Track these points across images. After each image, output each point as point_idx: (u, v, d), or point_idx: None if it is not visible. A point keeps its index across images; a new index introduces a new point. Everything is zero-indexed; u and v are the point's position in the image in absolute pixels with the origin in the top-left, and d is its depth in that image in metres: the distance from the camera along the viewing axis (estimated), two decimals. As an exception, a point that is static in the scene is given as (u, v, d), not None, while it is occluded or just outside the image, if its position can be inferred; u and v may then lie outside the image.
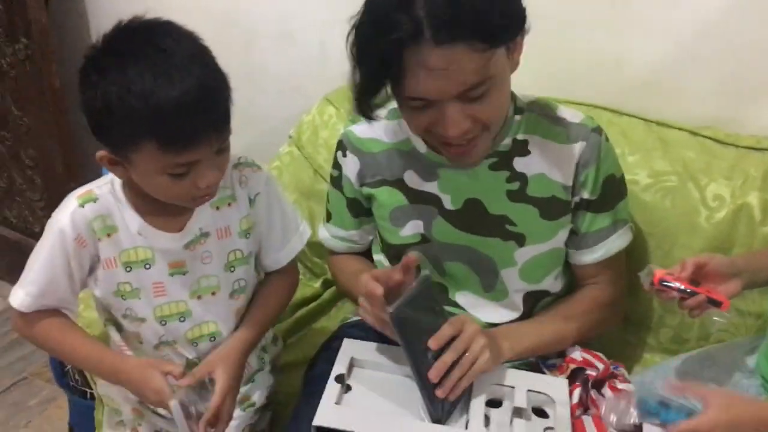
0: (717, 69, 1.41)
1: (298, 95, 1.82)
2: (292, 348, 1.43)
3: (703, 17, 1.39)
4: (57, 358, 1.35)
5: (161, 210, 1.07)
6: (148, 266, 1.09)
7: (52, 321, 1.11)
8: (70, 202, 1.06)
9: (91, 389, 1.37)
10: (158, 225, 1.08)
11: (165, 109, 0.91)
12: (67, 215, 1.05)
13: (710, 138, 1.38)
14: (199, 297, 1.13)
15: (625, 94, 1.49)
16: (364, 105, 1.06)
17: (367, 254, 1.36)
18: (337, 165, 1.27)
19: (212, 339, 1.16)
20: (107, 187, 1.07)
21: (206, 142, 0.96)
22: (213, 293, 1.14)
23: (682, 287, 1.00)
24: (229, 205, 1.14)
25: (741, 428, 0.92)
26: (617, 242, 1.22)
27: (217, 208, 1.13)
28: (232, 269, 1.15)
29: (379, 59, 0.97)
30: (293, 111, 1.75)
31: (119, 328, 1.15)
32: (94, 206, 1.05)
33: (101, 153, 1.00)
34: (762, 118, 1.40)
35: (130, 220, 1.07)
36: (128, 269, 1.08)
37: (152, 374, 1.06)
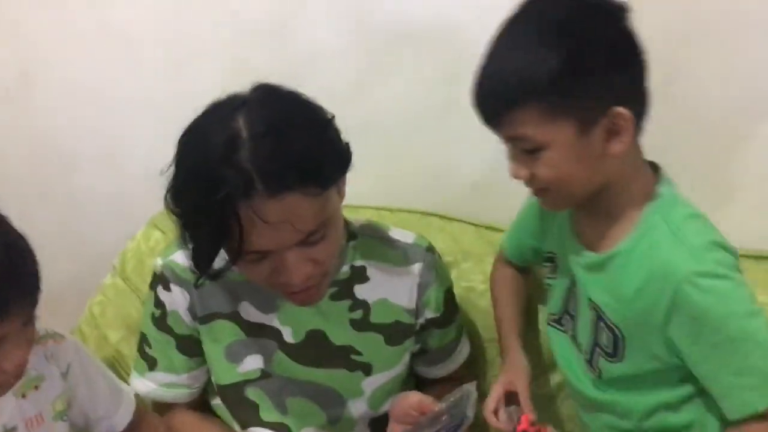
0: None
1: (123, 220, 1.71)
2: None
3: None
4: None
5: None
6: None
7: None
8: None
9: None
10: None
11: None
12: None
13: (538, 240, 1.43)
14: None
15: (457, 200, 1.52)
16: (205, 268, 0.99)
17: (198, 403, 1.24)
18: (158, 302, 1.17)
19: None
20: None
21: (16, 315, 0.85)
22: None
23: None
24: (37, 388, 1.01)
25: None
26: (465, 349, 1.26)
27: (23, 395, 0.99)
28: None
29: (212, 220, 0.91)
30: (117, 237, 1.64)
31: None
32: None
33: None
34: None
35: None
36: None
37: None
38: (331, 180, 0.96)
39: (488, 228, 1.46)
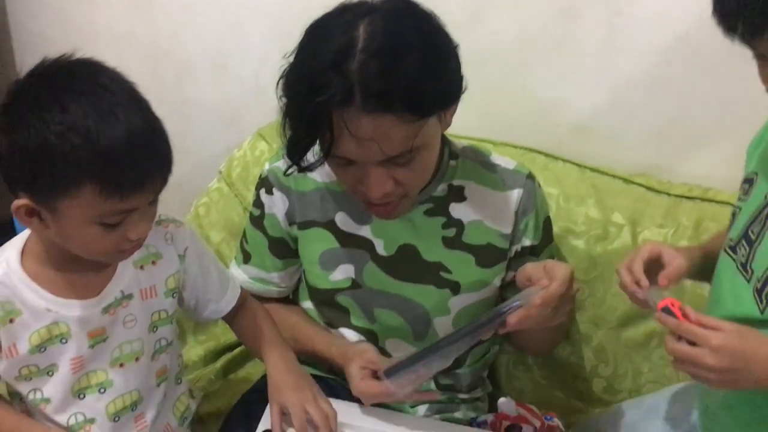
0: (651, 117, 1.43)
1: (231, 129, 1.77)
2: (211, 398, 1.35)
3: (639, 66, 1.41)
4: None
5: (72, 278, 0.98)
6: (64, 341, 0.99)
7: None
8: None
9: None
10: (70, 294, 0.98)
11: (112, 149, 0.83)
12: None
13: (643, 186, 1.39)
14: (121, 365, 1.04)
15: (560, 139, 1.50)
16: (296, 159, 1.02)
17: (286, 301, 1.30)
18: (259, 203, 1.21)
19: (134, 409, 1.06)
20: (2, 267, 0.96)
21: (151, 188, 0.89)
22: (137, 359, 1.05)
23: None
24: (154, 263, 1.06)
25: (752, 364, 0.84)
26: None
27: (141, 267, 1.04)
28: (155, 329, 1.07)
29: (308, 118, 0.93)
30: (225, 145, 1.70)
31: (20, 400, 1.04)
32: None
33: (19, 203, 0.89)
34: (694, 167, 1.42)
35: (35, 297, 0.97)
36: (42, 350, 0.98)
37: None
38: (432, 110, 0.95)
39: (593, 170, 1.43)
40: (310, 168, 1.05)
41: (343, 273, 1.17)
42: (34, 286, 0.97)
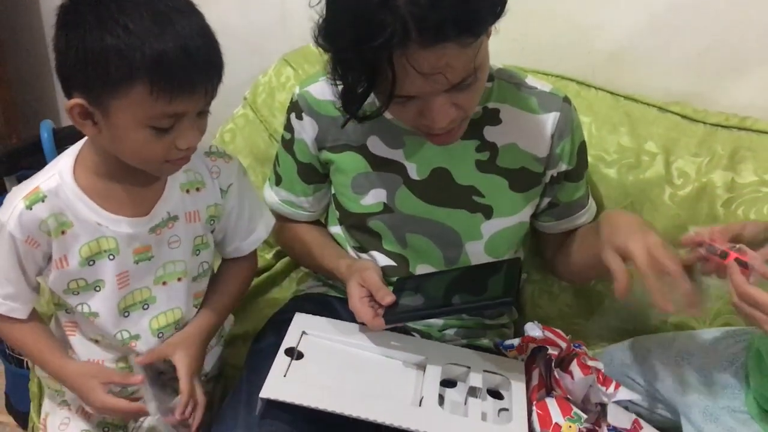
0: (688, 43, 1.39)
1: (257, 55, 1.73)
2: (241, 320, 1.37)
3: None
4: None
5: (123, 194, 1.00)
6: (112, 257, 1.01)
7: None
8: (16, 204, 0.96)
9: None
10: (120, 211, 1.00)
11: (165, 52, 0.85)
12: (15, 219, 0.96)
13: (678, 114, 1.36)
14: (164, 283, 1.07)
15: (594, 66, 1.46)
16: (355, 110, 0.99)
17: (316, 224, 1.31)
18: (289, 127, 1.20)
19: (177, 327, 1.10)
20: (55, 179, 0.98)
21: (200, 93, 0.90)
22: (179, 279, 1.08)
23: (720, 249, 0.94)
24: (198, 190, 1.07)
25: None
26: (593, 208, 1.25)
27: (187, 191, 1.06)
28: (198, 253, 1.10)
29: (365, 64, 0.90)
30: (250, 71, 1.67)
31: (68, 311, 1.08)
32: (44, 206, 0.96)
33: (73, 101, 0.90)
34: (731, 95, 1.38)
35: (86, 211, 0.99)
36: (91, 263, 1.01)
37: (92, 387, 1.02)
38: (486, 26, 0.93)
39: (626, 98, 1.41)
40: (368, 117, 1.01)
41: (375, 197, 1.16)
42: (86, 200, 0.99)
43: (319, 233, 1.28)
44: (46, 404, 1.19)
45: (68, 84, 0.90)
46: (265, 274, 1.49)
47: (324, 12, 0.94)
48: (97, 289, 1.03)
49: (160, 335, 1.08)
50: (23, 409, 1.58)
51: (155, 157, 0.94)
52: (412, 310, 1.08)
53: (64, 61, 0.89)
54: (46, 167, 1.01)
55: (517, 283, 1.06)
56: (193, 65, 0.87)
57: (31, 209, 0.96)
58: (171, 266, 1.07)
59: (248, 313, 1.42)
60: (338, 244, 1.26)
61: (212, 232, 1.13)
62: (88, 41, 0.86)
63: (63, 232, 0.98)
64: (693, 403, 1.09)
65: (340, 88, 0.97)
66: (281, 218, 1.28)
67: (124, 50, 0.85)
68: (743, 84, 1.38)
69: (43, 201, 0.97)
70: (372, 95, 0.96)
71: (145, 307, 1.07)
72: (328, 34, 0.93)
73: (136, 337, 1.07)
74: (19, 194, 0.97)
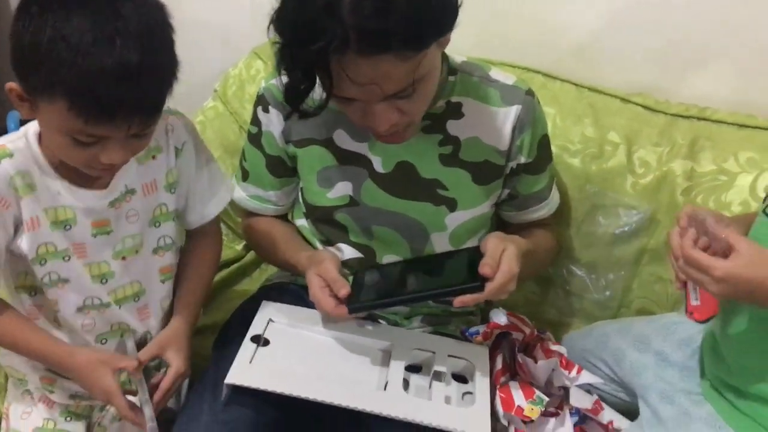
0: (650, 37, 1.42)
1: (227, 48, 1.75)
2: (210, 310, 1.38)
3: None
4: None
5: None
6: (68, 227, 1.01)
7: None
8: None
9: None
10: (81, 183, 1.00)
11: (91, 72, 0.83)
12: None
13: (640, 105, 1.39)
14: (123, 258, 1.07)
15: (558, 59, 1.48)
16: (296, 105, 1.01)
17: (283, 219, 1.32)
18: (256, 121, 1.20)
19: (136, 299, 1.10)
20: (22, 142, 0.98)
21: (123, 123, 0.88)
22: (136, 251, 1.08)
23: None
24: (154, 157, 1.07)
25: (757, 292, 0.86)
26: (555, 199, 1.27)
27: (143, 162, 1.06)
28: (157, 224, 1.09)
29: (304, 65, 0.92)
30: (221, 64, 1.68)
31: (33, 293, 1.07)
32: (12, 162, 0.96)
33: (12, 85, 0.90)
34: (692, 87, 1.41)
35: (48, 178, 0.99)
36: (61, 227, 1.01)
37: (103, 373, 1.01)
38: (430, 41, 0.93)
39: (590, 90, 1.43)
40: (312, 114, 1.02)
41: (341, 190, 1.18)
42: (49, 169, 0.99)
43: (286, 228, 1.29)
44: (10, 393, 1.19)
45: (13, 69, 0.90)
46: (236, 265, 1.50)
47: (278, 5, 0.94)
48: (66, 258, 1.02)
49: (119, 306, 1.08)
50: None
51: (77, 163, 0.94)
52: (376, 298, 1.10)
53: (13, 45, 0.88)
54: (15, 132, 1.00)
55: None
56: (117, 95, 0.84)
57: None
58: (129, 240, 1.06)
59: (218, 303, 1.43)
60: (304, 237, 1.27)
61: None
62: (26, 37, 0.85)
63: (32, 191, 0.98)
64: (650, 386, 1.12)
65: (284, 83, 0.99)
66: (249, 214, 1.29)
67: (54, 61, 0.83)
68: (703, 76, 1.40)
69: (11, 157, 0.96)
70: (321, 91, 0.97)
71: (104, 281, 1.06)
72: (277, 29, 0.94)
73: (107, 305, 1.07)
74: None
